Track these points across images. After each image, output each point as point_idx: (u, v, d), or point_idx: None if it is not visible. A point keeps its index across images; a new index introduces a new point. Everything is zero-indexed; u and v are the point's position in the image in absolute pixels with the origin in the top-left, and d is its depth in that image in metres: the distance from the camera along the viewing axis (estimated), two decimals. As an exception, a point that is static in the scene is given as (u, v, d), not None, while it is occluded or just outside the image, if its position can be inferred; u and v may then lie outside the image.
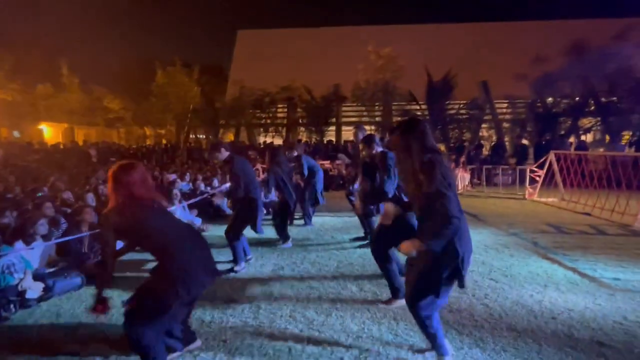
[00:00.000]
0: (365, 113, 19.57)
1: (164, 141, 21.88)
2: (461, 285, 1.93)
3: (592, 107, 17.91)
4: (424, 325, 1.97)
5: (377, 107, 18.97)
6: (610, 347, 2.27)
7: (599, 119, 18.24)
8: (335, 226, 5.83)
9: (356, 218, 5.82)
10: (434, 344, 2.02)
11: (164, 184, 6.48)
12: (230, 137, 21.55)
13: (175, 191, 5.54)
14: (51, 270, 3.39)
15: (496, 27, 22.93)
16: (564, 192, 7.60)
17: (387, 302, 2.95)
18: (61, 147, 14.61)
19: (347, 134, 20.65)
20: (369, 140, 3.77)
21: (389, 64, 17.37)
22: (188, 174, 7.51)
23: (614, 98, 17.09)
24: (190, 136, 22.43)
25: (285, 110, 19.61)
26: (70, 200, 5.27)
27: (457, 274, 1.87)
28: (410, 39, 20.47)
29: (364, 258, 4.13)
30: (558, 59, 16.79)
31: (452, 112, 17.90)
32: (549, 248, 4.39)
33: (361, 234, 4.98)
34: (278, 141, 18.49)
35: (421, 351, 2.24)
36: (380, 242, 2.92)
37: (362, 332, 2.52)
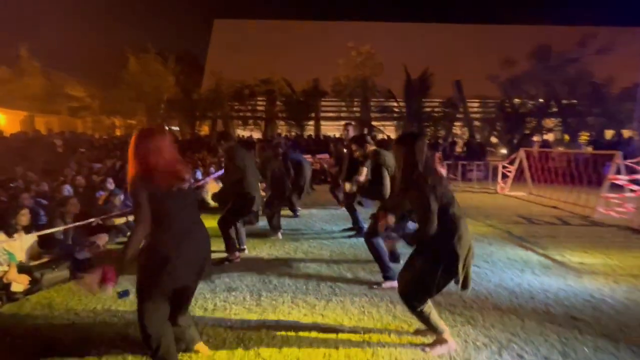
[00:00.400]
0: (344, 108, 19.78)
1: (134, 131, 20.91)
2: (464, 286, 2.06)
3: (554, 109, 19.22)
4: (417, 314, 2.13)
5: (356, 103, 19.24)
6: (582, 320, 2.56)
7: (560, 119, 19.60)
8: (323, 218, 5.95)
9: (342, 211, 6.04)
10: (430, 326, 2.19)
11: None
12: (205, 129, 21.01)
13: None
14: (37, 262, 3.25)
15: (471, 29, 23.86)
16: (532, 187, 8.19)
17: (380, 284, 3.14)
18: (23, 135, 13.59)
19: (326, 128, 20.79)
20: (360, 140, 3.74)
21: (369, 61, 17.65)
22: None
23: (574, 101, 18.45)
24: (165, 128, 21.60)
25: (265, 103, 19.40)
26: (46, 192, 5.01)
27: (453, 275, 2.01)
28: (389, 36, 20.88)
29: (355, 247, 4.29)
30: (525, 62, 17.82)
31: (428, 109, 18.55)
32: (522, 237, 4.76)
33: (349, 225, 5.13)
34: (257, 134, 18.29)
35: (420, 330, 2.41)
36: (374, 230, 3.10)
37: (363, 315, 2.66)
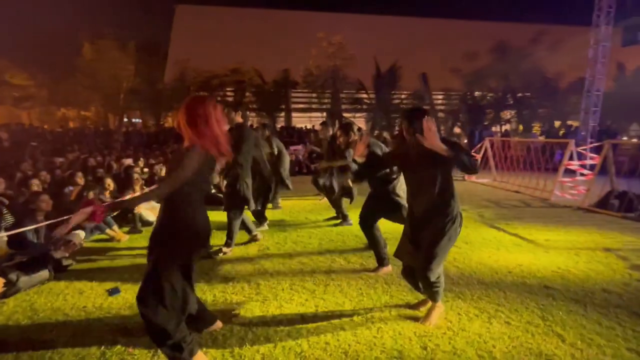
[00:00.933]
0: (315, 99, 19.79)
1: (89, 123, 19.37)
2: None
3: (511, 101, 20.64)
4: (436, 286, 2.26)
5: (327, 94, 19.32)
6: (553, 289, 2.87)
7: (515, 111, 21.09)
8: (305, 208, 6.00)
9: (324, 201, 6.14)
10: (435, 297, 2.35)
11: (116, 170, 5.94)
12: (169, 121, 20.04)
13: (137, 175, 5.14)
14: (9, 263, 3.00)
15: (437, 23, 24.70)
16: (495, 174, 8.81)
17: (375, 270, 3.26)
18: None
19: (297, 120, 20.67)
20: (347, 127, 3.78)
21: (340, 52, 17.75)
22: (142, 158, 6.95)
23: (528, 94, 19.93)
24: (124, 120, 20.31)
25: (233, 93, 18.87)
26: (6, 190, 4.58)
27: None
28: (359, 28, 21.04)
29: (343, 235, 4.41)
30: (486, 56, 18.90)
31: (397, 101, 19.12)
32: (493, 219, 5.15)
33: (333, 214, 5.24)
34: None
35: (415, 306, 2.57)
36: (368, 213, 3.21)
37: (362, 297, 2.78)
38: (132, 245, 4.15)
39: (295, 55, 17.88)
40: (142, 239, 4.36)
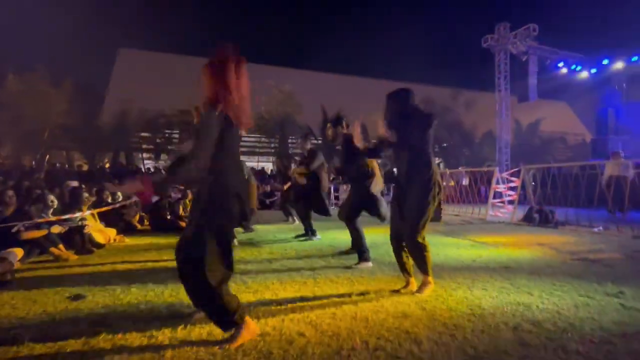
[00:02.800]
0: (260, 143, 20.22)
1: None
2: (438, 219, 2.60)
3: (437, 149, 23.55)
4: (424, 251, 2.50)
5: (276, 138, 19.92)
6: (512, 268, 3.31)
7: (441, 159, 23.95)
8: (272, 231, 5.95)
9: (293, 225, 6.25)
10: (425, 267, 2.55)
11: (58, 192, 5.30)
12: (105, 162, 18.46)
13: (86, 194, 4.67)
14: None
15: (373, 81, 27.87)
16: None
17: (356, 264, 3.40)
18: None
19: (247, 162, 20.73)
20: (337, 121, 3.88)
21: (289, 100, 18.87)
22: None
23: (452, 143, 23.03)
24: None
25: (180, 134, 18.40)
26: None
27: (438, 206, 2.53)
28: (305, 81, 22.83)
29: (316, 246, 4.49)
30: (415, 110, 21.80)
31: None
32: (446, 232, 5.70)
33: (300, 232, 5.29)
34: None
35: (404, 287, 2.73)
36: (349, 209, 3.43)
37: (353, 283, 2.86)
38: (85, 262, 3.66)
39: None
40: (95, 257, 3.88)
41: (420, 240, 2.48)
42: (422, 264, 2.55)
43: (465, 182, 9.67)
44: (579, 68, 14.59)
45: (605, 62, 14.09)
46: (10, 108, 15.10)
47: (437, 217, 3.75)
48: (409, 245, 2.55)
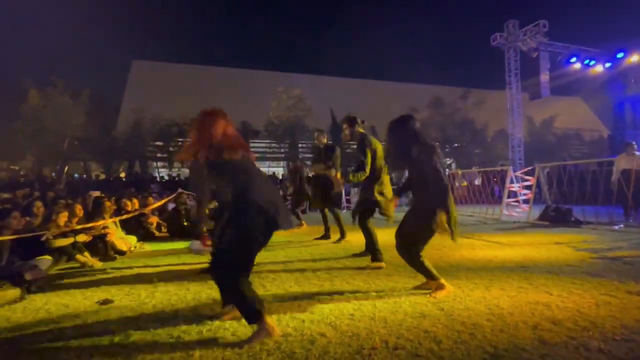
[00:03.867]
0: (271, 149, 20.44)
1: (22, 174, 17.45)
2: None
3: (447, 149, 23.32)
4: (419, 264, 2.58)
5: (286, 143, 20.12)
6: (529, 267, 3.29)
7: (452, 160, 23.71)
8: (283, 234, 6.02)
9: (302, 230, 6.32)
10: (428, 273, 2.59)
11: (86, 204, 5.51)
12: (121, 172, 18.97)
13: (109, 203, 4.85)
14: (-26, 281, 2.62)
15: (381, 84, 27.92)
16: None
17: (369, 265, 3.48)
18: None
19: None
20: (352, 120, 3.83)
21: (298, 104, 19.06)
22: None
23: (463, 143, 22.79)
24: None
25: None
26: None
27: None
28: (315, 86, 23.02)
29: (330, 248, 4.55)
30: (425, 111, 21.66)
31: (354, 147, 20.58)
32: (465, 232, 5.66)
33: (317, 235, 5.37)
34: (186, 172, 17.30)
35: (419, 286, 2.76)
36: (360, 211, 3.52)
37: (369, 284, 2.89)
38: (111, 266, 3.81)
39: (256, 107, 18.73)
40: (118, 264, 4.03)
41: (407, 250, 2.57)
42: (422, 271, 2.59)
43: (477, 182, 9.58)
44: (592, 62, 14.27)
45: (620, 55, 13.75)
46: (32, 122, 15.74)
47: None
48: (399, 253, 2.63)
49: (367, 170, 3.59)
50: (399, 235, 2.65)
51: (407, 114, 2.78)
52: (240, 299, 1.89)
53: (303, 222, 6.77)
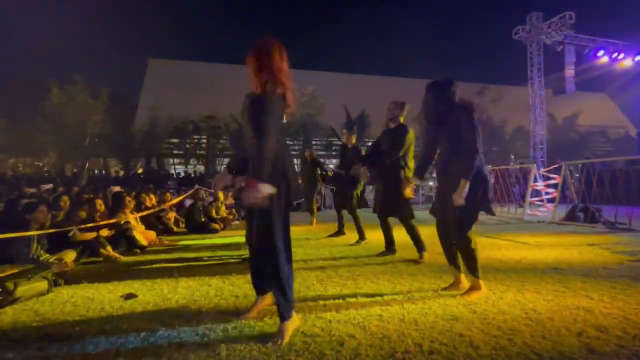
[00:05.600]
0: (289, 145, 20.48)
1: (45, 170, 18.06)
2: (491, 212, 2.50)
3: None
4: (472, 252, 2.43)
5: (300, 140, 20.08)
6: (562, 269, 3.12)
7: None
8: (298, 232, 5.98)
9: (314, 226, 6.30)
10: (474, 266, 2.45)
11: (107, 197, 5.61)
12: (139, 168, 19.37)
13: (129, 198, 4.91)
14: (4, 274, 2.66)
15: (397, 80, 27.46)
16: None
17: (381, 254, 3.65)
18: None
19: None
20: (402, 106, 3.67)
21: (312, 101, 18.96)
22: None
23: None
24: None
25: (207, 140, 18.94)
26: None
27: (486, 199, 2.43)
28: (328, 83, 22.85)
29: (348, 247, 4.47)
30: (441, 107, 21.21)
31: (369, 144, 20.41)
32: (482, 232, 5.46)
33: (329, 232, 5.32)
34: (201, 169, 17.54)
35: (447, 287, 2.65)
36: (383, 210, 3.49)
37: (394, 284, 2.80)
38: (131, 263, 3.84)
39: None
40: (139, 258, 4.06)
41: (466, 235, 2.41)
42: (471, 261, 2.46)
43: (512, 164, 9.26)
44: (621, 56, 13.62)
45: (651, 48, 13.07)
46: (54, 119, 16.22)
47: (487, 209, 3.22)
48: (455, 241, 2.48)
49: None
50: (448, 224, 2.49)
51: (447, 79, 2.64)
52: (286, 285, 1.84)
53: (314, 219, 6.76)
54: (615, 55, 13.56)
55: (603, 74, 15.08)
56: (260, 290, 2.19)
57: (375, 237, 4.93)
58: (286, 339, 1.79)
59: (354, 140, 5.05)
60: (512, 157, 13.48)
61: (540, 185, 7.30)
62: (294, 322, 1.90)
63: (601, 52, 13.53)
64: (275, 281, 1.86)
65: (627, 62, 13.65)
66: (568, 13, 12.46)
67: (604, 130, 23.85)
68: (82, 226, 3.82)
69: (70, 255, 3.54)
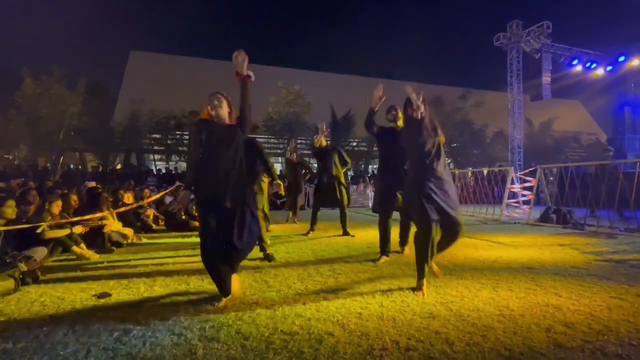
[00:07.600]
0: (274, 143, 20.27)
1: (16, 163, 17.18)
2: None
3: (446, 149, 23.31)
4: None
5: (285, 138, 19.96)
6: (535, 268, 3.24)
7: (451, 160, 23.69)
8: (282, 229, 5.95)
9: (297, 225, 6.24)
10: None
11: (82, 192, 5.39)
12: (117, 164, 18.73)
13: (105, 194, 4.74)
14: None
15: (383, 82, 27.72)
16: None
17: (377, 260, 3.53)
18: None
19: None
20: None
21: (298, 99, 18.88)
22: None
23: (460, 144, 22.77)
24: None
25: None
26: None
27: None
28: (314, 82, 22.82)
29: (331, 246, 4.48)
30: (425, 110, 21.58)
31: (352, 146, 20.49)
32: (466, 232, 5.62)
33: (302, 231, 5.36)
34: (183, 165, 17.13)
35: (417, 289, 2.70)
36: (383, 208, 3.59)
37: (374, 283, 2.83)
38: (108, 259, 3.72)
39: (254, 101, 18.50)
40: (115, 256, 3.93)
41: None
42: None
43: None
44: (594, 65, 14.28)
45: (621, 59, 13.76)
46: (27, 110, 15.45)
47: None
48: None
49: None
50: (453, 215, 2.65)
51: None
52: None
53: (296, 219, 6.81)
54: (588, 64, 14.20)
55: (577, 82, 15.76)
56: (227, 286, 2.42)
57: (360, 235, 4.97)
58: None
59: (324, 142, 5.32)
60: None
61: (517, 187, 7.57)
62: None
63: (575, 61, 14.13)
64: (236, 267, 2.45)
65: (600, 72, 14.32)
66: (546, 22, 12.95)
67: (577, 136, 24.92)
68: (54, 222, 3.66)
69: (40, 253, 3.39)
